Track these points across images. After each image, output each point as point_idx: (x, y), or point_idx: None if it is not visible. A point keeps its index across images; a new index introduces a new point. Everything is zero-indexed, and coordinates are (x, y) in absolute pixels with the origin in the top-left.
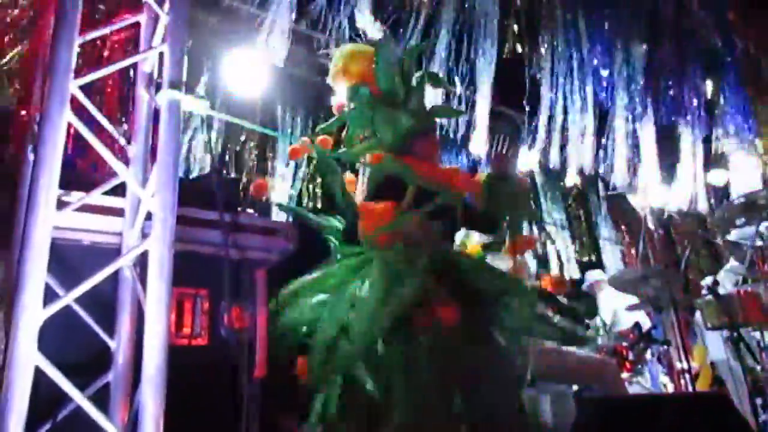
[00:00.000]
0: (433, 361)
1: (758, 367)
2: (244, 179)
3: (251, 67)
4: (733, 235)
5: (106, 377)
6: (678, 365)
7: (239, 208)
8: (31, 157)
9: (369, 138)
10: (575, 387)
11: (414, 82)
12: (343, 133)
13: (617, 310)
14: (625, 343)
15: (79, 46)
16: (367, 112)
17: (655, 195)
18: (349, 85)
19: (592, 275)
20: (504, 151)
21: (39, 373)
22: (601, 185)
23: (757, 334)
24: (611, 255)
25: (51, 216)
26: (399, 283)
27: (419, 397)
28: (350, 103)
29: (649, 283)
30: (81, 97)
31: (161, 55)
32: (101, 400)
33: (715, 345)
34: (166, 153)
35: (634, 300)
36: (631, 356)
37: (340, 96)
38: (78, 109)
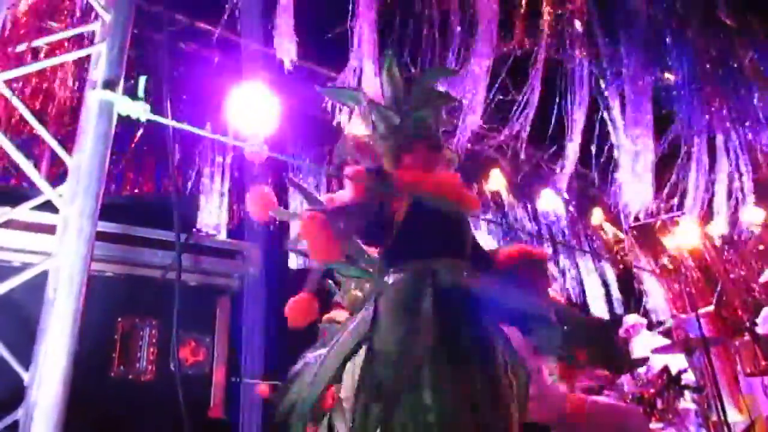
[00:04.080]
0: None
1: None
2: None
3: (258, 103)
4: None
5: (15, 415)
6: (713, 417)
7: (196, 229)
8: None
9: None
10: None
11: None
12: None
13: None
14: (652, 390)
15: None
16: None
17: (687, 233)
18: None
19: (629, 319)
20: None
21: None
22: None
23: None
24: (655, 293)
25: None
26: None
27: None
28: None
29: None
30: (8, 95)
31: None
32: None
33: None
34: (91, 156)
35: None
36: (659, 404)
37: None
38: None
